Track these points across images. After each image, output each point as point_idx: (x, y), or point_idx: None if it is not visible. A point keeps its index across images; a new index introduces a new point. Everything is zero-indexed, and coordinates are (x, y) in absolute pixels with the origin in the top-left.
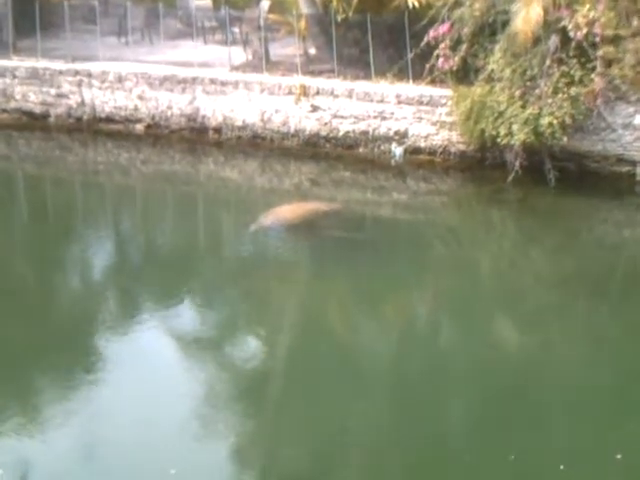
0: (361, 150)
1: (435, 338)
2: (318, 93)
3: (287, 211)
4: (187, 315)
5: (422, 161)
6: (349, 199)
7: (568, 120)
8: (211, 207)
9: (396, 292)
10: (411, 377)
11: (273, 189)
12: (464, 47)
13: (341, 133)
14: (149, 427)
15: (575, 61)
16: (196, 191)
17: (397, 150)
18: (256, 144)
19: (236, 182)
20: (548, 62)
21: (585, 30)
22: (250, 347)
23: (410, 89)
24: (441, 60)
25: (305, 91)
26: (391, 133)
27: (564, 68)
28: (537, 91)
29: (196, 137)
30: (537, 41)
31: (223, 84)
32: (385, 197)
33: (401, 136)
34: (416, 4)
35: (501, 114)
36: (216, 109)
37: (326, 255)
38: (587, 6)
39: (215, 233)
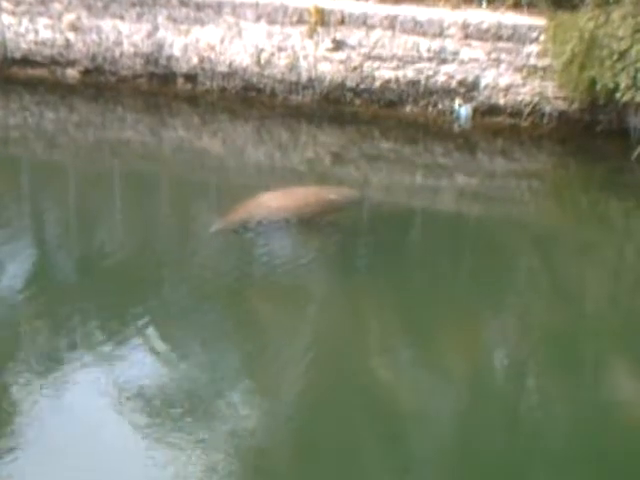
0: (408, 109)
1: (519, 398)
2: (343, 22)
3: (272, 202)
4: (134, 359)
5: (500, 126)
6: (388, 184)
7: None
8: (179, 196)
9: (461, 330)
10: (482, 454)
11: (274, 169)
12: None
13: (377, 83)
14: None
15: None
16: (158, 171)
17: (463, 110)
18: (249, 100)
19: (218, 157)
20: None
21: None
22: (235, 414)
23: (483, 16)
24: None
25: (323, 18)
26: (453, 84)
27: None
28: None
29: (158, 88)
30: None
31: (199, 7)
32: (444, 181)
33: (469, 88)
34: None
35: (622, 55)
36: (189, 46)
37: (338, 272)
38: None
39: (182, 236)
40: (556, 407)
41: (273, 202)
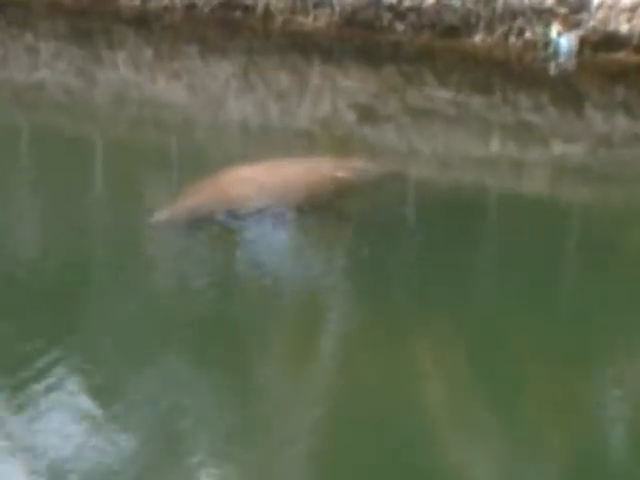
0: (477, 40)
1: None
2: None
3: (248, 181)
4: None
5: (621, 66)
6: (445, 154)
7: None
8: (120, 171)
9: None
10: None
11: (267, 131)
12: None
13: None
14: None
15: None
16: (88, 133)
17: (563, 41)
18: (231, 23)
19: (182, 112)
20: None
21: None
22: None
23: None
24: None
25: None
26: (549, 1)
27: None
28: None
29: (90, 4)
30: None
31: None
32: (533, 150)
33: (573, 8)
34: None
35: None
36: None
37: (356, 300)
38: None
39: (122, 234)
40: None
41: (250, 182)
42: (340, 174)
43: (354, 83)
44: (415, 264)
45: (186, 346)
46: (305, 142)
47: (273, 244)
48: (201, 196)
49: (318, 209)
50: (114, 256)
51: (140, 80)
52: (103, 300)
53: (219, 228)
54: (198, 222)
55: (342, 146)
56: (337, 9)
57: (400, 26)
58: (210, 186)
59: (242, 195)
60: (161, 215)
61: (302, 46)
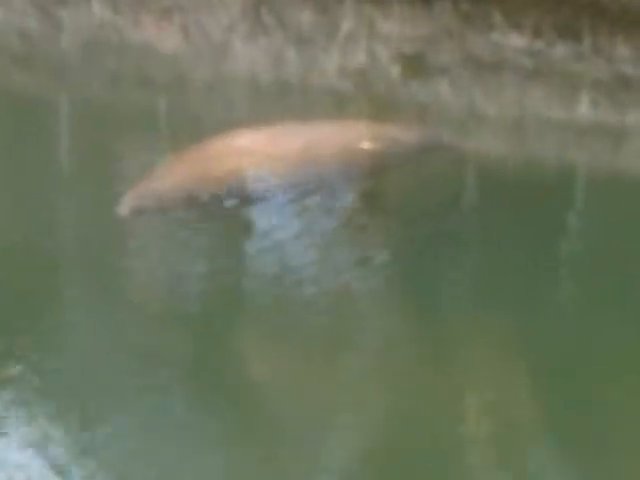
0: None
1: None
2: None
3: (244, 152)
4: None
5: None
6: (518, 120)
7: None
8: (90, 139)
9: None
10: None
11: (283, 86)
12: None
13: None
14: None
15: None
16: (52, 91)
17: None
18: None
19: (171, 61)
20: None
21: None
22: None
23: None
24: None
25: None
26: None
27: None
28: None
29: None
30: None
31: None
32: (633, 114)
33: None
34: None
35: None
36: None
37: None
38: None
39: (91, 222)
40: None
41: (247, 154)
42: (375, 144)
43: (397, 26)
44: (475, 264)
45: (185, 371)
46: (332, 103)
47: (279, 241)
48: (178, 175)
49: (343, 192)
50: (78, 254)
51: (119, 22)
52: (65, 312)
53: (203, 218)
54: (174, 210)
55: (381, 108)
56: None
57: None
58: (191, 161)
59: (234, 173)
60: (131, 202)
61: None
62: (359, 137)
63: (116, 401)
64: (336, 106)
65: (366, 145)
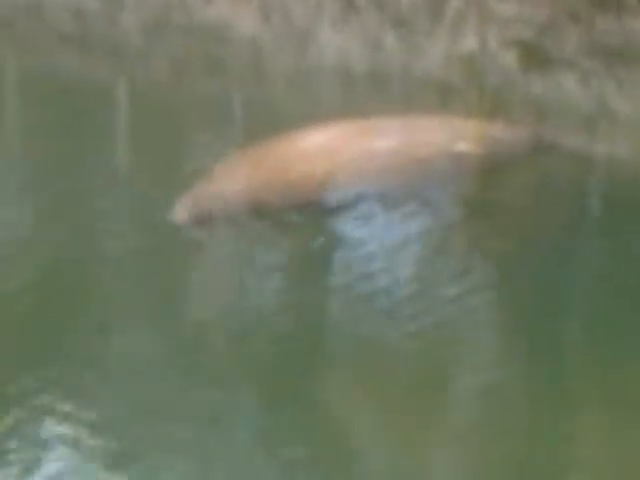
0: None
1: None
2: None
3: (324, 152)
4: None
5: None
6: None
7: None
8: (157, 133)
9: None
10: None
11: (382, 76)
12: None
13: None
14: None
15: None
16: (110, 76)
17: None
18: None
19: (254, 46)
20: None
21: None
22: None
23: None
24: None
25: None
26: None
27: None
28: None
29: None
30: None
31: None
32: None
33: None
34: None
35: None
36: None
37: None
38: None
39: (147, 224)
40: None
41: (322, 154)
42: (476, 145)
43: (514, 7)
44: (599, 286)
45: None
46: (436, 96)
47: (364, 258)
48: (242, 176)
49: (439, 200)
50: (131, 264)
51: (188, 1)
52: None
53: (273, 228)
54: (238, 217)
55: (492, 103)
56: None
57: None
58: (258, 160)
59: (310, 175)
60: (185, 208)
61: None
62: (459, 137)
63: (182, 428)
64: (440, 100)
65: (465, 146)
